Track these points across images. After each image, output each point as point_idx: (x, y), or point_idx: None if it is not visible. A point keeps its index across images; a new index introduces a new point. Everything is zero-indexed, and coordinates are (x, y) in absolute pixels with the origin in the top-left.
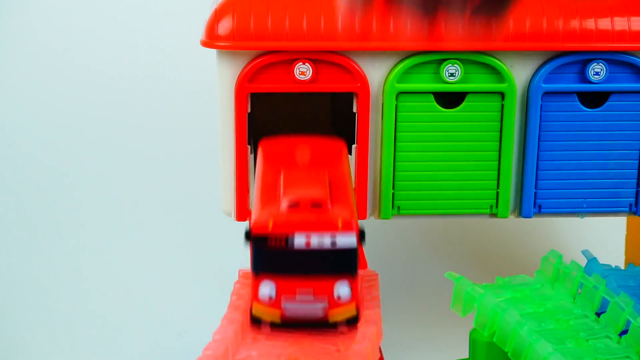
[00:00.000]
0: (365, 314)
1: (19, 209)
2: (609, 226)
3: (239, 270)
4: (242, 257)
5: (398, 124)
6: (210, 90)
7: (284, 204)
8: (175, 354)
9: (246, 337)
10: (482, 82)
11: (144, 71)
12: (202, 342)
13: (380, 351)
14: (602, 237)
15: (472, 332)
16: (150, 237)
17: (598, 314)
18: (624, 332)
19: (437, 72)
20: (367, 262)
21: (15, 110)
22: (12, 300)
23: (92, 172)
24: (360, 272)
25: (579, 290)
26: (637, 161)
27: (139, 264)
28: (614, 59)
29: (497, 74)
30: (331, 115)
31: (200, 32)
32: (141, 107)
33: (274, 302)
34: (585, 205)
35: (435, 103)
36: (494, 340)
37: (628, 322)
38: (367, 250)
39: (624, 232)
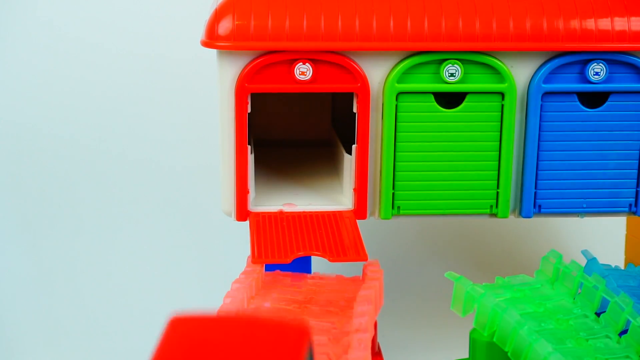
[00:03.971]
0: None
1: (21, 210)
2: (608, 226)
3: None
4: (243, 256)
5: (398, 124)
6: (211, 90)
7: None
8: None
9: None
10: (482, 82)
11: (144, 71)
12: None
13: (380, 351)
14: (601, 237)
15: (472, 332)
16: (150, 237)
17: (598, 314)
18: (624, 331)
19: (437, 72)
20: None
21: (15, 110)
22: (13, 300)
23: (92, 172)
24: (367, 270)
25: (579, 290)
26: (637, 161)
27: (138, 263)
28: (614, 59)
29: (497, 74)
30: (332, 116)
31: (200, 32)
32: (142, 107)
33: None
34: (585, 205)
35: (435, 103)
36: (494, 340)
37: (628, 322)
38: (367, 250)
39: (623, 232)
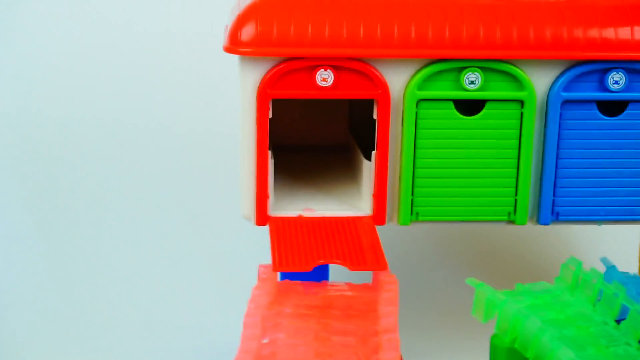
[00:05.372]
0: (383, 323)
1: (35, 211)
2: (626, 234)
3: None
4: (261, 261)
5: (418, 130)
6: (232, 95)
7: None
8: (189, 356)
9: (268, 321)
10: (502, 90)
11: (166, 76)
12: (217, 345)
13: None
14: (619, 244)
15: (493, 338)
16: (168, 241)
17: (618, 321)
18: None
19: (458, 80)
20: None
21: (31, 111)
22: (18, 300)
23: (110, 175)
24: (380, 275)
25: (599, 298)
26: None
27: (154, 267)
28: (634, 68)
29: (517, 82)
30: (349, 121)
31: (222, 37)
32: (164, 112)
33: None
34: (603, 213)
35: (455, 110)
36: (516, 346)
37: None
38: (385, 256)
39: (638, 239)
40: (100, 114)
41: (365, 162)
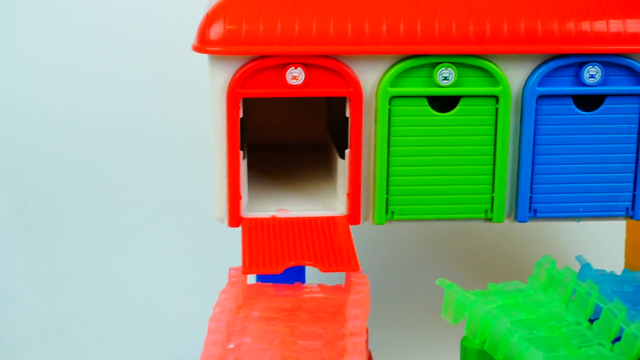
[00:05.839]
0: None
1: (17, 213)
2: (608, 230)
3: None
4: (236, 263)
5: (391, 128)
6: (203, 95)
7: None
8: (168, 355)
9: (235, 325)
10: (476, 86)
11: (136, 76)
12: (192, 345)
13: (372, 357)
14: (601, 241)
15: (463, 340)
16: (142, 242)
17: (591, 321)
18: (617, 339)
19: (431, 76)
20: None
21: (14, 113)
22: (8, 303)
23: (86, 176)
24: (352, 276)
25: (572, 297)
26: (634, 164)
27: (131, 268)
28: (610, 62)
29: (491, 77)
30: (326, 120)
31: (192, 36)
32: (134, 112)
33: None
34: (581, 209)
35: (429, 107)
36: (485, 348)
37: (621, 329)
38: (360, 256)
39: (623, 236)
40: (73, 115)
41: (339, 160)
